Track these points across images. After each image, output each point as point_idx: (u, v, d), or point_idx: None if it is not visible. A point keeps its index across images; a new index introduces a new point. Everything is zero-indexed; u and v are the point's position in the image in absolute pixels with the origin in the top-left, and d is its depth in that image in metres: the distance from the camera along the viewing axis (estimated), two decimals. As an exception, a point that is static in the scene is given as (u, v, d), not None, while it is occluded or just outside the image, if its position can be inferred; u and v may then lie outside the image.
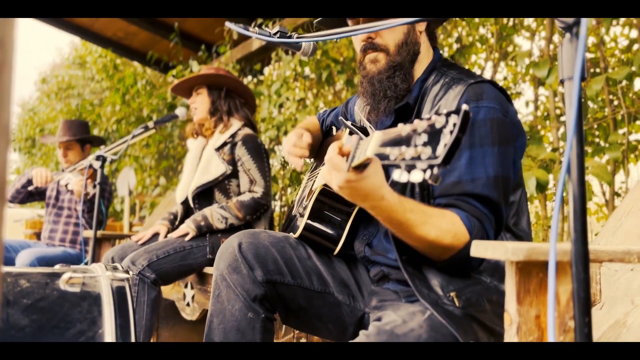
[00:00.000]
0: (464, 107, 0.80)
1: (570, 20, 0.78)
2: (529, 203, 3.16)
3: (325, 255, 1.59)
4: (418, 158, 0.80)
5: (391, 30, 1.44)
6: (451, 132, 0.78)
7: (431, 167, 0.79)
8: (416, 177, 0.80)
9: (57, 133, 3.90)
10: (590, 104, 2.83)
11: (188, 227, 2.60)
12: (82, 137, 3.86)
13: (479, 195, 1.26)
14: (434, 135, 0.81)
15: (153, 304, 2.36)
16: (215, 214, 2.62)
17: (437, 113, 0.82)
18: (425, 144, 0.81)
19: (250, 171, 2.71)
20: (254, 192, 2.67)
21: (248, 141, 2.74)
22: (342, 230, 1.49)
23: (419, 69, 1.49)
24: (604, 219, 3.19)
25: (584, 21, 0.77)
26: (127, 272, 1.40)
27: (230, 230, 2.65)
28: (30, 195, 3.87)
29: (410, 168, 0.81)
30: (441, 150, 0.78)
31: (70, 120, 3.93)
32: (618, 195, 2.98)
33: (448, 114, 0.81)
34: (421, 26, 1.49)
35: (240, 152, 2.73)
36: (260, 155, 2.75)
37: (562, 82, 0.81)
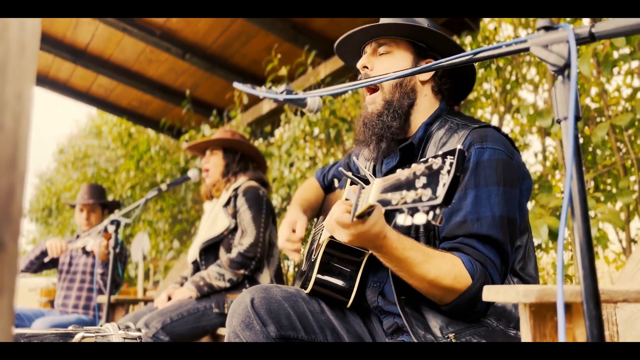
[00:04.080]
0: (459, 146, 0.83)
1: (561, 63, 0.82)
2: (544, 253, 3.13)
3: (339, 309, 1.57)
4: (419, 200, 0.82)
5: (387, 71, 1.50)
6: (449, 172, 0.81)
7: (433, 207, 0.80)
8: (420, 219, 0.81)
9: (80, 196, 3.97)
10: (598, 151, 2.85)
11: (189, 290, 2.60)
12: (104, 201, 3.98)
13: (484, 237, 1.27)
14: (432, 176, 0.83)
15: (166, 367, 2.32)
16: (212, 272, 2.62)
17: (434, 156, 0.85)
18: (424, 186, 0.83)
19: (243, 222, 2.70)
20: (240, 245, 2.65)
21: (247, 192, 2.76)
22: (353, 282, 1.48)
23: (422, 115, 1.54)
24: (623, 266, 3.12)
25: (574, 64, 0.80)
26: (139, 330, 1.40)
27: (233, 287, 2.63)
28: (43, 265, 3.89)
29: (413, 211, 0.83)
30: (441, 191, 0.80)
31: (93, 185, 4.03)
32: (635, 242, 2.94)
33: (444, 155, 0.83)
34: (423, 76, 1.54)
35: (239, 202, 2.75)
36: (258, 205, 2.74)
37: (558, 122, 0.83)
